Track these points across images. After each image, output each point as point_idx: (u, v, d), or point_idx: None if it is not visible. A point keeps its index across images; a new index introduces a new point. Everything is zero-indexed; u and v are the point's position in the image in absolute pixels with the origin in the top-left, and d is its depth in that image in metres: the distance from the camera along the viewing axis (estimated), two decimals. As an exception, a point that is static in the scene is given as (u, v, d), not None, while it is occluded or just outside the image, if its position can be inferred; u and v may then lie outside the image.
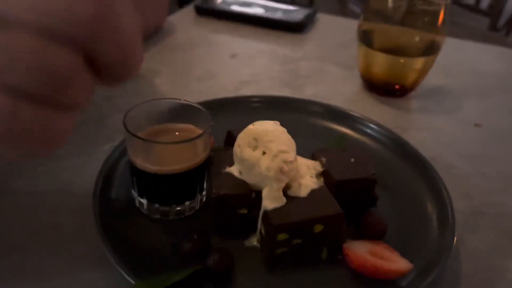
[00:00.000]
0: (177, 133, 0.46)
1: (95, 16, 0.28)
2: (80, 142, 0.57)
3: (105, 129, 0.60)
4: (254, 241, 0.43)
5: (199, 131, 0.45)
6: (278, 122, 0.44)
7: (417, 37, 0.67)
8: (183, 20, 0.95)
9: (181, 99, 0.46)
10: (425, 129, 0.66)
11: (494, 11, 2.43)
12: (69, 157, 0.54)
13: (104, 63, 0.30)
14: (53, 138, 0.31)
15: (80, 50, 0.29)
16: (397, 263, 0.39)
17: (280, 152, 0.40)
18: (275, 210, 0.40)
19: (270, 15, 0.94)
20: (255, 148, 0.41)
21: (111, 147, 0.53)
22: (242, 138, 0.43)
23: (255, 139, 0.42)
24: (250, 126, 0.43)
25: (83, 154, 0.55)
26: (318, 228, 0.40)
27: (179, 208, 0.45)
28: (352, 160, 0.47)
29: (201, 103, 0.47)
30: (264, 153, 0.41)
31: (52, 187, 0.49)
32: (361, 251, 0.41)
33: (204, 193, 0.47)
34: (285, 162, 0.40)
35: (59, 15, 0.27)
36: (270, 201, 0.41)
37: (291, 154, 0.41)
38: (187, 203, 0.45)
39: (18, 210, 0.46)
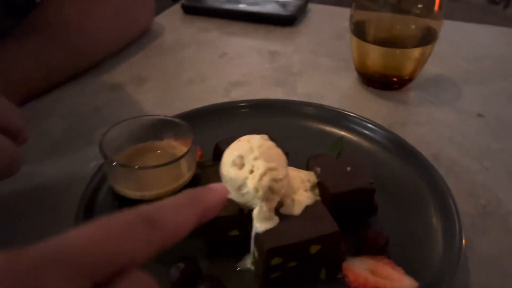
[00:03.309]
0: (158, 151, 0.43)
1: None
2: (65, 161, 0.54)
3: (91, 144, 0.57)
4: (248, 263, 0.40)
5: (182, 147, 0.42)
6: (266, 136, 0.41)
7: (412, 25, 0.64)
8: (170, 20, 0.92)
9: (159, 115, 0.44)
10: (425, 122, 0.63)
11: (492, -15, 2.37)
12: (53, 178, 0.51)
13: None
14: None
15: None
16: (400, 282, 0.37)
17: (268, 170, 0.37)
18: (267, 231, 0.38)
19: (260, 9, 0.91)
20: (241, 166, 0.38)
21: (96, 166, 0.50)
22: (227, 156, 0.40)
23: (241, 157, 0.39)
24: (235, 143, 0.40)
25: (68, 174, 0.52)
26: (314, 248, 0.37)
27: (166, 232, 0.42)
28: (348, 168, 0.44)
29: (188, 113, 0.44)
30: (251, 171, 0.38)
31: (36, 211, 0.47)
32: (362, 270, 0.38)
33: (192, 214, 0.44)
34: (275, 180, 0.38)
35: None
36: (261, 222, 0.38)
37: (281, 171, 0.38)
38: (175, 226, 0.42)
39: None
